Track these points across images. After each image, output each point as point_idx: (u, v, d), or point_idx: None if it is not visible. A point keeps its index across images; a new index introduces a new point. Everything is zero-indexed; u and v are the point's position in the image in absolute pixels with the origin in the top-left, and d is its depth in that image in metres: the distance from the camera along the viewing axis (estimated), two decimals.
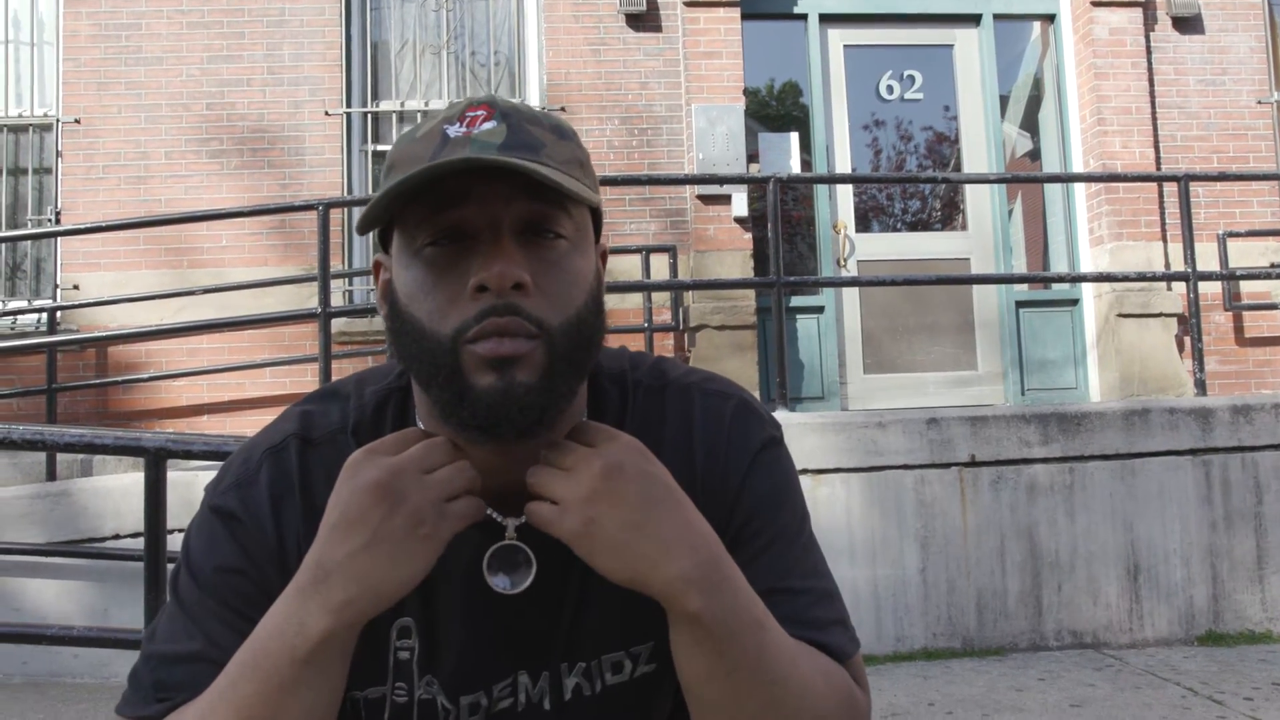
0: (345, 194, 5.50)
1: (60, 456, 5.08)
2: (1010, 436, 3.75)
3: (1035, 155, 6.24)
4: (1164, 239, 5.86)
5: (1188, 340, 4.88)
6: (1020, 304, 5.90)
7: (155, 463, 2.18)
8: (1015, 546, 3.73)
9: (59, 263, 5.54)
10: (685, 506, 0.79)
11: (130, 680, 0.84)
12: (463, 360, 0.77)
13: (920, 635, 3.67)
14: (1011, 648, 3.72)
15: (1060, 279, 5.97)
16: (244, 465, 0.87)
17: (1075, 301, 5.98)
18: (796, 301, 5.65)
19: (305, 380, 5.21)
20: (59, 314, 5.33)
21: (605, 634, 0.88)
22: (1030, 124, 6.26)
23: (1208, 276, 4.62)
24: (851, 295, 5.71)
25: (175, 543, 2.27)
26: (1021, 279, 5.87)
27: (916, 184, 5.94)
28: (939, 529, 3.69)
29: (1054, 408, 3.85)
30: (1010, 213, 6.13)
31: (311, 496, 0.84)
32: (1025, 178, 5.79)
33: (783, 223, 4.31)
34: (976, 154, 6.00)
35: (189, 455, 2.17)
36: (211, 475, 2.92)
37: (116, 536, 3.67)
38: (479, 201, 0.77)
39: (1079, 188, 6.03)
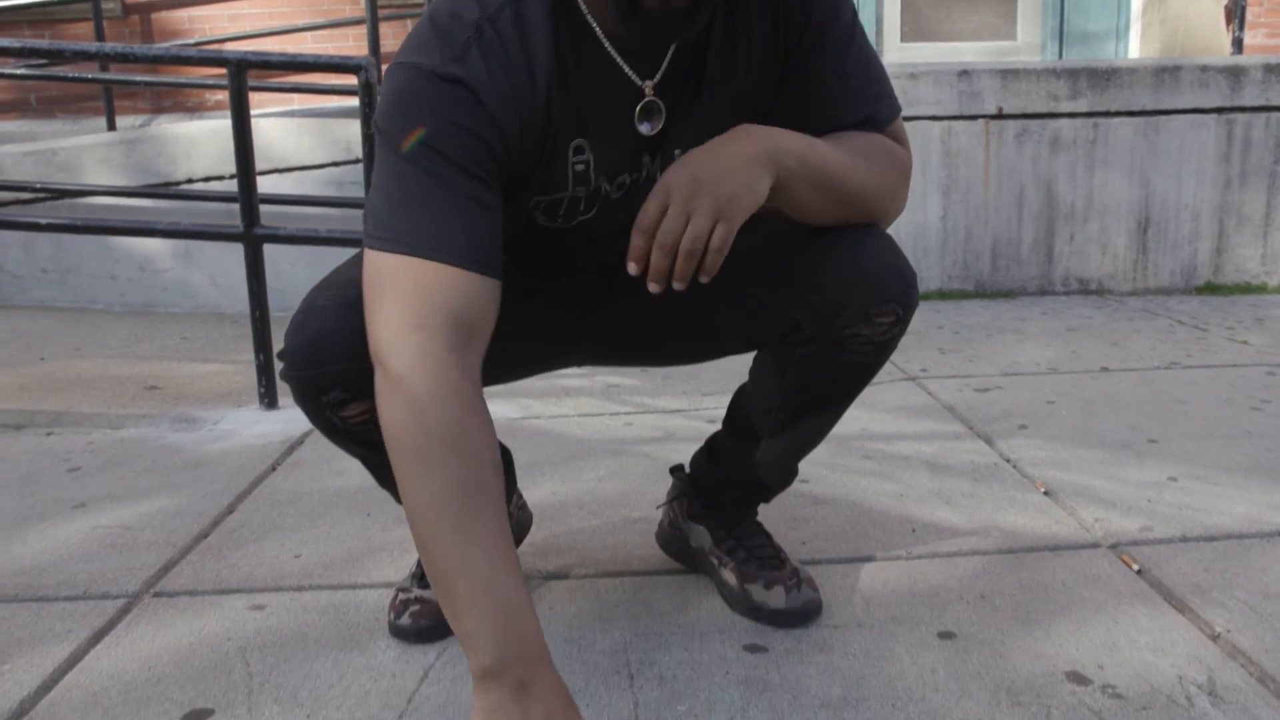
0: None
1: (119, 120, 5.29)
2: (1039, 90, 3.84)
3: None
4: None
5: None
6: None
7: (237, 73, 2.38)
8: (1033, 197, 3.93)
9: None
10: (737, 150, 1.02)
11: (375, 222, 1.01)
12: None
13: (936, 278, 3.96)
14: (1021, 291, 4.01)
15: None
16: (450, 41, 0.99)
17: None
18: None
19: (347, 45, 5.29)
20: None
21: (703, 129, 1.10)
22: None
23: None
24: None
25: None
26: None
27: None
28: (962, 178, 3.88)
29: (1085, 63, 3.90)
30: None
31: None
32: None
33: None
34: None
35: (267, 65, 2.36)
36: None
37: (190, 181, 3.94)
38: None
39: None
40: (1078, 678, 1.19)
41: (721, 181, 1.00)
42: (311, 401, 1.10)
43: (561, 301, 1.23)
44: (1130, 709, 1.12)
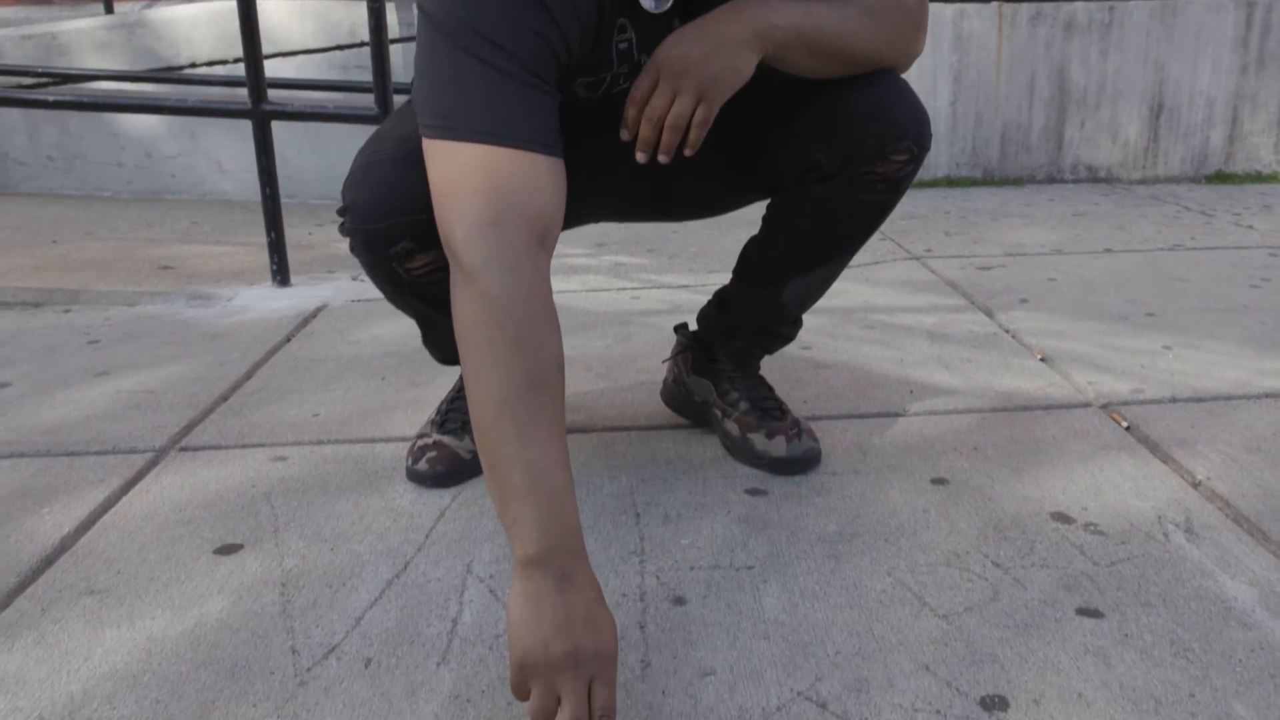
0: None
1: (116, 6, 5.21)
2: None
3: None
4: None
5: None
6: None
7: None
8: (1045, 83, 3.88)
9: None
10: (725, 30, 1.05)
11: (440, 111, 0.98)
12: None
13: (944, 165, 3.94)
14: (1029, 179, 4.00)
15: None
16: None
17: None
18: None
19: None
20: None
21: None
22: None
23: None
24: None
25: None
26: None
27: None
28: (973, 63, 3.83)
29: None
30: None
31: None
32: None
33: None
34: None
35: None
36: None
37: (193, 65, 3.91)
38: None
39: None
40: (1062, 517, 1.25)
41: (706, 63, 1.04)
42: (378, 254, 1.12)
43: (587, 156, 1.26)
44: (1110, 543, 1.18)
